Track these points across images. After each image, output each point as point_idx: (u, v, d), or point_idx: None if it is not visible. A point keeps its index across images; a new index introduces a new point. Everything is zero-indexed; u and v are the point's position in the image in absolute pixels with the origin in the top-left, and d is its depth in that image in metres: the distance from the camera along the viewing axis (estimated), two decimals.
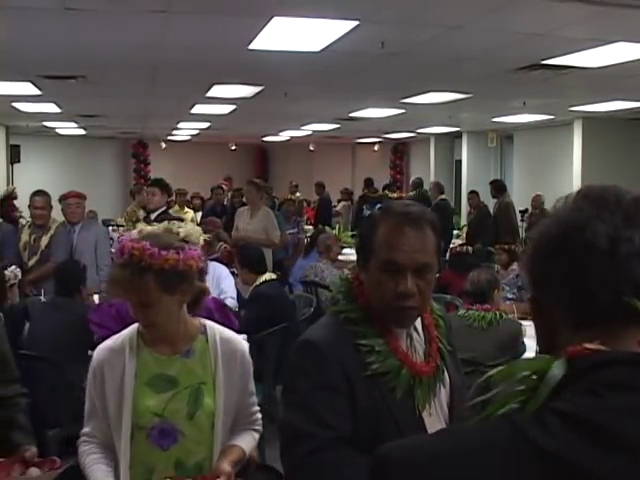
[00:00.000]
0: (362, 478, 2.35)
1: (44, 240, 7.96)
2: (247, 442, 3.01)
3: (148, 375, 3.04)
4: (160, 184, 9.34)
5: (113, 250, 11.44)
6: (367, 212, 16.91)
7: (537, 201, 15.15)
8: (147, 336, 3.08)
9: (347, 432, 2.42)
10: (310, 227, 17.20)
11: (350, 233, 14.94)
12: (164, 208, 9.25)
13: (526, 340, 6.09)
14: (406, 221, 2.47)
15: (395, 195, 18.52)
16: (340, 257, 11.51)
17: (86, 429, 3.14)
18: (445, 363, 2.65)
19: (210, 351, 3.10)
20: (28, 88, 11.20)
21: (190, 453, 3.03)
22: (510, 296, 7.78)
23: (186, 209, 14.93)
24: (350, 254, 12.92)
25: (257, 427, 3.22)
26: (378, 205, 10.95)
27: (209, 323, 3.19)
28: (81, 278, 6.28)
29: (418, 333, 2.63)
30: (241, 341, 3.20)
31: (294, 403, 2.47)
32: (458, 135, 21.53)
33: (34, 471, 2.77)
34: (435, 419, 2.56)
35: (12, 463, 2.86)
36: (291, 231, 12.88)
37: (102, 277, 8.24)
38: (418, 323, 2.63)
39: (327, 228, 13.15)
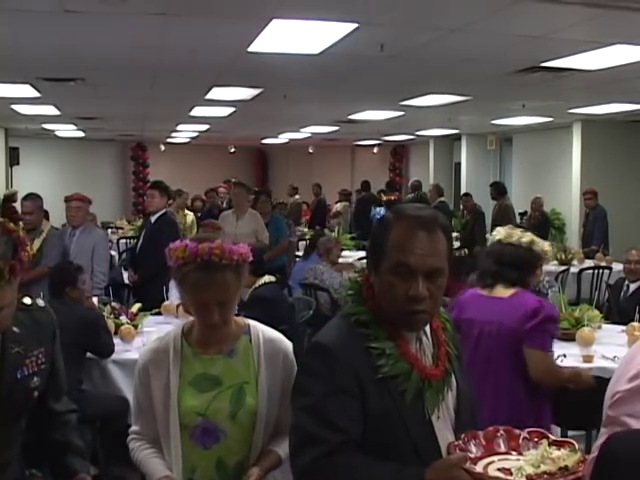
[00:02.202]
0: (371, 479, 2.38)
1: (36, 244, 7.93)
2: (284, 447, 3.01)
3: (192, 375, 3.08)
4: (159, 187, 9.31)
5: (113, 253, 11.48)
6: (376, 213, 16.92)
7: (536, 203, 15.15)
8: (194, 337, 3.13)
9: (357, 436, 2.42)
10: (306, 229, 17.22)
11: (349, 235, 14.93)
12: (164, 211, 9.23)
13: None
14: (419, 224, 2.46)
15: (392, 198, 18.50)
16: (340, 260, 11.52)
17: (135, 427, 3.22)
18: (452, 367, 2.65)
19: (253, 351, 3.12)
20: (27, 90, 11.21)
21: (231, 453, 3.05)
22: None
23: (186, 211, 14.90)
24: (350, 257, 12.92)
25: None
26: (378, 208, 10.89)
27: (253, 322, 3.21)
28: (71, 278, 6.23)
29: (427, 336, 2.63)
30: (284, 341, 3.20)
31: (305, 406, 2.46)
32: (457, 137, 21.56)
33: None
34: (442, 423, 2.57)
35: None
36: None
37: (96, 282, 8.22)
38: (426, 327, 2.63)
39: (326, 231, 13.13)
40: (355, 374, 2.43)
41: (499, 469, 2.38)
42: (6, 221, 2.64)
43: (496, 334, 4.50)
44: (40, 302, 2.99)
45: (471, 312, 4.64)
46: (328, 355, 2.46)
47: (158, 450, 3.11)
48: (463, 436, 2.52)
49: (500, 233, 4.82)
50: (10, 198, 14.99)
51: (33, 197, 8.40)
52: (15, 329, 2.78)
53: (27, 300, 2.91)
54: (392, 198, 18.54)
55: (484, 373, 4.40)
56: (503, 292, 4.61)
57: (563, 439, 2.57)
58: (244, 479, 2.95)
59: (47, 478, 3.08)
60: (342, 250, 12.92)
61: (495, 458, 2.46)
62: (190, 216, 14.66)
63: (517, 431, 2.59)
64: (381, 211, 17.16)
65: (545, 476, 2.32)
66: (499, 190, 14.96)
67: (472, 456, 2.44)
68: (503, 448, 2.52)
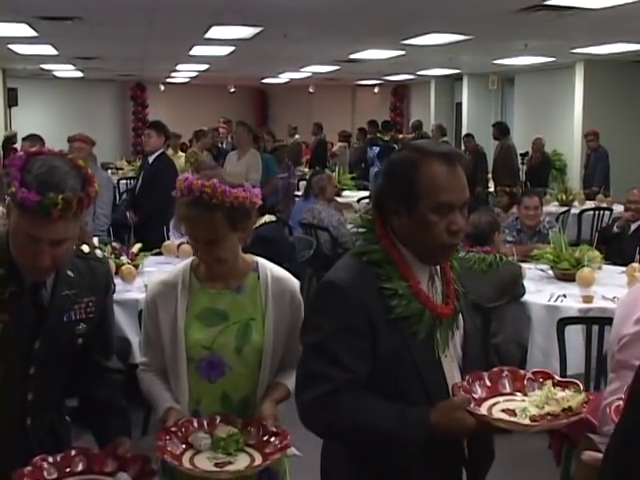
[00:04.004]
0: (375, 419, 2.40)
1: None
2: (292, 380, 3.03)
3: (199, 308, 3.10)
4: (156, 126, 9.27)
5: (117, 196, 11.45)
6: (371, 154, 16.84)
7: (537, 144, 15.11)
8: (201, 272, 3.14)
9: (364, 375, 2.44)
10: (306, 169, 17.17)
11: (350, 175, 14.89)
12: (162, 150, 9.19)
13: (525, 282, 6.11)
14: (447, 160, 2.50)
15: (387, 137, 18.43)
16: (340, 199, 11.51)
17: (143, 359, 3.26)
18: (460, 305, 2.66)
19: (261, 288, 3.13)
20: (24, 30, 11.12)
21: (237, 387, 3.08)
22: (510, 239, 7.78)
23: (179, 152, 14.80)
24: (350, 196, 12.92)
25: None
26: (374, 147, 10.91)
27: (261, 261, 3.22)
28: None
29: (437, 274, 2.65)
30: (292, 280, 3.21)
31: (313, 344, 2.49)
32: (459, 77, 21.42)
33: (124, 478, 2.64)
34: (450, 362, 2.59)
35: (105, 457, 2.76)
36: (282, 175, 12.85)
37: (98, 225, 8.20)
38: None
39: (327, 171, 13.09)
40: (366, 314, 2.44)
41: (503, 410, 2.41)
42: (75, 157, 2.68)
43: None
44: (98, 252, 3.02)
45: None
46: (339, 294, 2.47)
47: (165, 382, 3.14)
48: (468, 377, 2.54)
49: None
50: (10, 140, 14.95)
51: (33, 138, 8.35)
52: (69, 273, 2.81)
53: (85, 248, 2.94)
54: (393, 136, 18.50)
55: None
56: None
57: (568, 380, 2.58)
58: (258, 414, 2.96)
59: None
60: (342, 189, 12.92)
61: (500, 399, 2.49)
62: (183, 158, 14.56)
63: (522, 372, 2.61)
64: (376, 150, 17.12)
65: (548, 417, 2.34)
66: (502, 130, 14.88)
67: (477, 397, 2.46)
68: (508, 389, 2.54)
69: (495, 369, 2.61)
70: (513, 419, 2.35)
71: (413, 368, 2.47)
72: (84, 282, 2.86)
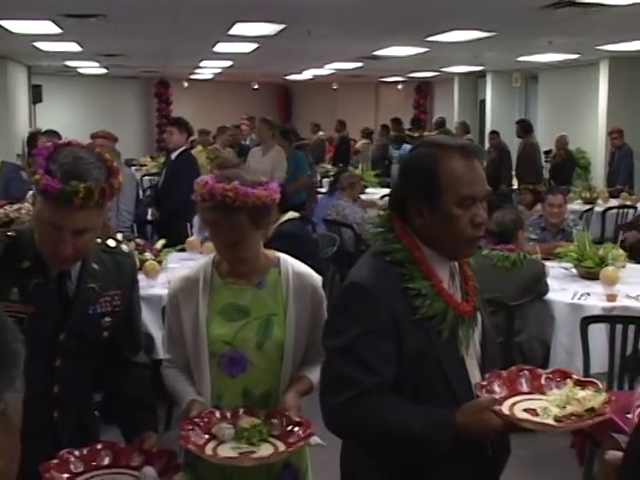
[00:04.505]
0: (403, 421, 2.39)
1: None
2: (315, 374, 3.03)
3: (220, 304, 3.11)
4: (179, 123, 9.28)
5: (140, 192, 11.48)
6: (394, 152, 16.78)
7: (561, 142, 15.03)
8: (223, 267, 3.15)
9: (391, 377, 2.44)
10: (329, 166, 17.16)
11: (373, 172, 14.86)
12: (184, 147, 9.21)
13: (549, 280, 6.09)
14: (469, 154, 2.51)
15: (416, 134, 18.39)
16: (363, 196, 11.49)
17: (167, 355, 3.27)
18: (478, 302, 2.66)
19: (282, 284, 3.13)
20: (49, 27, 11.17)
21: (258, 383, 3.08)
22: (534, 237, 7.75)
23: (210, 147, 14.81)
24: (373, 194, 12.90)
25: None
26: (405, 145, 10.88)
27: (283, 256, 3.22)
28: None
29: (457, 272, 2.65)
30: (314, 276, 3.21)
31: (339, 347, 2.47)
32: (482, 75, 21.35)
33: (149, 472, 2.62)
34: (471, 359, 2.59)
35: (131, 451, 2.76)
36: (307, 173, 12.82)
37: (121, 221, 8.22)
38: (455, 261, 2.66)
39: (350, 168, 13.08)
40: (392, 315, 2.43)
41: (525, 410, 2.40)
42: (102, 151, 2.71)
43: None
44: (124, 247, 3.05)
45: None
46: (365, 295, 2.46)
47: (189, 377, 3.15)
48: (488, 376, 2.53)
49: None
50: (35, 136, 15.03)
51: (50, 134, 8.39)
52: (95, 266, 2.84)
53: (111, 242, 2.97)
54: (421, 134, 18.44)
55: None
56: None
57: (587, 379, 2.57)
58: (281, 405, 2.97)
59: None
60: (365, 187, 12.91)
61: (519, 398, 2.48)
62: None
63: (540, 371, 2.60)
64: (407, 148, 17.06)
65: (573, 418, 2.33)
66: (525, 128, 14.81)
67: (497, 397, 2.46)
68: (526, 388, 2.54)
69: (513, 368, 2.61)
70: (539, 420, 2.34)
71: (438, 367, 2.47)
72: (110, 275, 2.89)
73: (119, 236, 6.80)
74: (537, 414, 2.36)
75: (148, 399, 3.05)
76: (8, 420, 1.34)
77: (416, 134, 18.14)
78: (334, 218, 9.40)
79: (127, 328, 3.00)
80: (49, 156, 2.58)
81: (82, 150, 2.65)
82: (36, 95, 19.96)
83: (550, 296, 5.99)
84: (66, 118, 21.14)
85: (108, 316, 2.88)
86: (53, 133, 8.78)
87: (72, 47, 14.20)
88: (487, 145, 16.18)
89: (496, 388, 2.50)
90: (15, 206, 5.81)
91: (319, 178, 14.23)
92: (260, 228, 3.02)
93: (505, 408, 2.39)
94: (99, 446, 2.75)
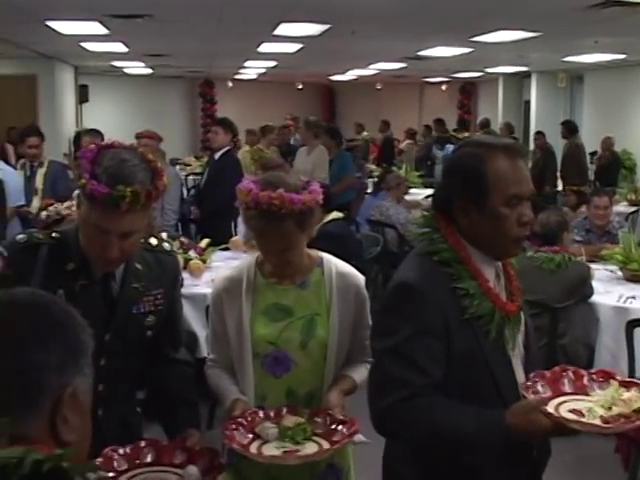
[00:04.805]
0: (453, 423, 2.39)
1: None
2: (359, 373, 3.04)
3: (264, 304, 3.11)
4: (223, 123, 9.32)
5: (183, 190, 11.56)
6: (438, 152, 16.73)
7: (607, 143, 14.91)
8: (266, 267, 3.15)
9: (440, 378, 2.44)
10: (374, 167, 17.13)
11: (417, 173, 14.83)
12: (228, 147, 9.24)
13: (594, 283, 6.04)
14: (514, 153, 2.52)
15: (461, 136, 18.33)
16: (406, 197, 11.47)
17: (211, 355, 3.28)
18: (521, 301, 2.65)
19: (325, 284, 3.13)
20: (96, 28, 11.26)
21: (302, 382, 3.08)
22: (579, 239, 7.69)
23: (248, 148, 14.85)
24: (417, 194, 12.86)
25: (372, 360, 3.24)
26: (448, 145, 10.85)
27: (326, 256, 3.22)
28: None
29: (500, 271, 2.65)
30: (357, 276, 3.21)
31: (389, 348, 2.46)
32: (527, 75, 21.21)
33: (193, 472, 2.61)
34: (517, 359, 2.59)
35: (174, 449, 2.76)
36: (357, 174, 12.80)
37: (166, 220, 8.28)
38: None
39: (394, 168, 13.06)
40: (442, 315, 2.43)
41: (570, 410, 2.39)
42: (145, 151, 2.74)
43: None
44: (166, 246, 3.07)
45: None
46: (416, 295, 2.46)
47: (232, 377, 3.15)
48: (532, 376, 2.52)
49: None
50: (81, 136, 15.16)
51: (93, 133, 8.46)
52: (138, 266, 2.86)
53: (153, 241, 2.99)
54: (466, 136, 18.37)
55: None
56: None
57: (630, 380, 2.56)
58: (324, 404, 2.97)
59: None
60: (409, 188, 12.90)
61: (563, 399, 2.47)
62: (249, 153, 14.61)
63: (582, 371, 2.59)
64: (450, 149, 16.99)
65: (622, 419, 2.31)
66: (570, 129, 14.69)
67: (542, 397, 2.45)
68: (568, 388, 2.52)
69: (556, 368, 2.60)
70: (588, 420, 2.33)
71: (485, 368, 2.47)
72: (152, 274, 2.91)
73: (164, 235, 6.87)
74: (583, 415, 2.35)
75: (190, 396, 3.05)
76: (78, 401, 1.58)
77: (461, 135, 18.09)
78: (378, 218, 9.39)
79: (168, 325, 3.01)
80: (93, 159, 2.59)
81: (126, 152, 2.66)
82: (83, 95, 20.14)
83: (595, 299, 5.95)
84: (112, 118, 21.34)
85: (151, 315, 2.90)
86: (95, 132, 8.85)
87: (118, 47, 14.31)
88: (532, 146, 16.08)
89: (540, 388, 2.49)
90: (66, 203, 5.86)
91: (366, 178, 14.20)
92: (305, 231, 3.02)
93: (550, 409, 2.38)
94: (142, 444, 2.76)
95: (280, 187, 2.92)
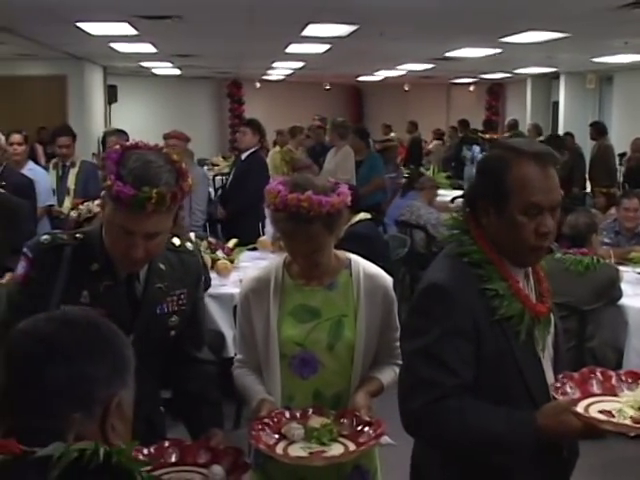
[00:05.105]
0: (483, 424, 2.39)
1: None
2: (386, 375, 3.04)
3: (291, 305, 3.11)
4: (252, 124, 9.35)
5: (211, 190, 11.60)
6: (467, 152, 16.67)
7: (637, 144, 14.76)
8: (294, 269, 3.15)
9: (470, 379, 2.43)
10: (402, 168, 17.09)
11: (444, 174, 14.78)
12: (256, 148, 9.26)
13: (622, 285, 6.01)
14: (540, 161, 2.47)
15: (487, 136, 18.25)
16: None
17: (239, 356, 3.29)
18: (551, 303, 2.64)
19: (353, 285, 3.12)
20: (125, 28, 11.32)
21: (329, 384, 3.08)
22: (607, 241, 7.64)
23: (277, 148, 14.85)
24: (444, 195, 12.81)
25: (399, 362, 3.12)
26: (475, 146, 10.77)
27: (354, 258, 3.21)
28: None
29: (530, 273, 2.63)
30: (385, 277, 3.20)
31: (419, 349, 2.46)
32: (555, 76, 21.11)
33: (217, 471, 2.61)
34: (546, 361, 2.58)
35: (198, 448, 2.76)
36: (392, 175, 12.78)
37: (194, 221, 8.30)
38: None
39: (422, 169, 13.02)
40: (472, 316, 2.43)
41: (600, 411, 2.37)
42: (169, 152, 2.73)
43: None
44: (189, 245, 3.06)
45: None
46: (446, 296, 2.46)
47: (259, 377, 3.15)
48: (561, 377, 2.51)
49: None
50: (108, 136, 15.23)
51: (118, 133, 8.50)
52: (161, 266, 2.86)
53: (176, 241, 2.99)
54: (495, 136, 18.29)
55: None
56: None
57: None
58: (351, 405, 2.97)
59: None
60: (438, 188, 12.87)
61: (592, 400, 2.45)
62: (279, 154, 14.61)
63: (611, 372, 2.57)
64: (476, 150, 16.95)
65: None
66: (599, 130, 14.61)
67: (571, 398, 2.44)
68: (597, 389, 2.51)
69: (584, 369, 2.58)
70: (619, 421, 2.31)
71: (516, 368, 2.46)
72: (176, 274, 2.91)
73: (192, 235, 6.90)
74: (612, 416, 2.33)
75: (213, 396, 3.05)
76: (123, 411, 1.80)
77: (487, 136, 18.02)
78: (408, 218, 9.38)
79: (191, 325, 3.01)
80: (118, 160, 2.59)
81: (151, 153, 2.66)
82: (111, 95, 20.24)
83: (624, 301, 5.92)
84: (140, 118, 21.44)
85: (175, 315, 2.91)
86: (120, 132, 8.89)
87: (147, 48, 14.37)
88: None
89: (569, 390, 2.48)
90: (97, 201, 5.91)
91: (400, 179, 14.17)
92: (333, 233, 3.01)
93: (580, 409, 2.36)
94: (166, 444, 2.76)
95: (308, 189, 2.91)
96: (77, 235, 2.82)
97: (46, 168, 9.02)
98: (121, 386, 1.80)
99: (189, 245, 3.07)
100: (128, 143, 2.75)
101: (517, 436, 2.35)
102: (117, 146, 2.71)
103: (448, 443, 2.49)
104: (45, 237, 2.80)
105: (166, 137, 8.60)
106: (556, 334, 2.66)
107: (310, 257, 3.02)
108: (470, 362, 2.42)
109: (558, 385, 2.47)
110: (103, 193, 2.68)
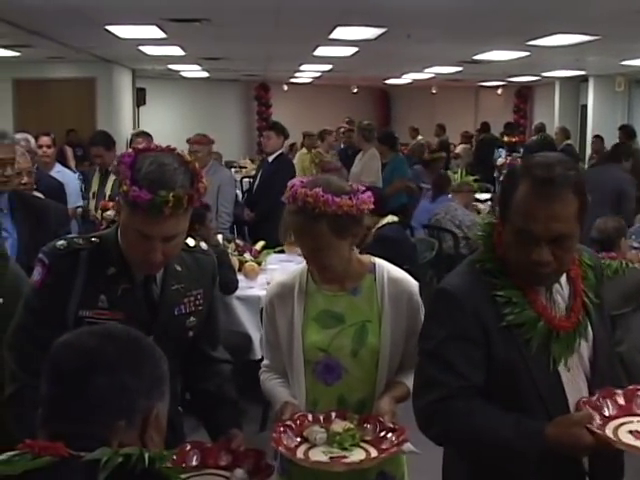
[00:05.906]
0: (491, 427, 2.38)
1: None
2: (412, 380, 3.04)
3: (315, 311, 3.10)
4: (276, 127, 9.38)
5: (238, 192, 11.66)
6: (499, 155, 16.61)
7: None
8: (317, 275, 3.13)
9: (479, 382, 2.43)
10: None
11: (472, 177, 14.74)
12: (281, 151, 9.29)
13: None
14: (545, 187, 2.32)
15: (514, 140, 18.20)
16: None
17: (265, 361, 3.29)
18: (590, 318, 2.58)
19: (377, 290, 3.09)
20: (153, 31, 11.37)
21: (353, 390, 3.06)
22: (636, 245, 7.59)
23: (305, 151, 14.89)
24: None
25: None
26: (500, 150, 10.74)
27: (379, 262, 3.18)
28: (200, 216, 6.20)
29: (561, 286, 2.56)
30: (410, 281, 3.16)
31: (428, 350, 2.50)
32: (584, 79, 20.98)
33: (240, 475, 2.61)
34: (575, 374, 2.51)
35: (219, 450, 2.77)
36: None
37: (220, 223, 8.33)
38: (562, 276, 2.55)
39: (449, 172, 13.00)
40: (479, 321, 2.42)
41: (631, 431, 2.31)
42: (183, 153, 2.73)
43: None
44: (203, 245, 3.08)
45: None
46: (452, 301, 2.46)
47: (285, 380, 3.15)
48: (599, 393, 2.46)
49: None
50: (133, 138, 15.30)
51: (143, 135, 8.55)
52: (177, 267, 2.87)
53: (191, 242, 3.00)
54: (513, 140, 18.21)
55: None
56: None
57: None
58: (375, 410, 2.95)
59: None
60: (475, 192, 12.86)
61: (633, 419, 2.38)
62: (308, 157, 14.63)
63: None
64: (502, 153, 16.90)
65: None
66: (628, 133, 14.53)
67: (606, 415, 2.38)
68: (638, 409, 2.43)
69: (631, 387, 2.51)
70: (633, 443, 2.25)
71: (529, 379, 2.44)
72: (192, 275, 2.92)
73: (219, 237, 6.93)
74: None
75: (230, 395, 3.07)
76: (160, 422, 1.92)
77: (514, 139, 17.97)
78: (442, 217, 9.37)
79: (207, 325, 3.02)
80: (132, 164, 2.59)
81: (164, 155, 2.65)
82: (140, 98, 20.34)
83: None
84: (168, 120, 21.53)
85: (192, 315, 2.92)
86: (145, 134, 8.94)
87: (175, 51, 14.42)
88: (589, 150, 15.89)
89: (608, 406, 2.42)
90: None
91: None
92: (345, 238, 2.95)
93: (610, 428, 2.32)
94: (187, 447, 2.77)
95: (321, 187, 2.90)
96: (93, 239, 2.83)
97: (74, 171, 9.08)
98: (159, 398, 1.92)
99: (203, 245, 3.09)
100: (140, 146, 2.75)
101: (523, 442, 2.32)
102: (130, 150, 2.72)
103: (455, 443, 2.51)
104: (61, 242, 2.80)
105: (189, 141, 8.64)
106: (595, 348, 2.58)
107: (315, 256, 3.00)
108: (479, 366, 2.42)
109: (592, 399, 2.43)
110: (118, 198, 2.68)
